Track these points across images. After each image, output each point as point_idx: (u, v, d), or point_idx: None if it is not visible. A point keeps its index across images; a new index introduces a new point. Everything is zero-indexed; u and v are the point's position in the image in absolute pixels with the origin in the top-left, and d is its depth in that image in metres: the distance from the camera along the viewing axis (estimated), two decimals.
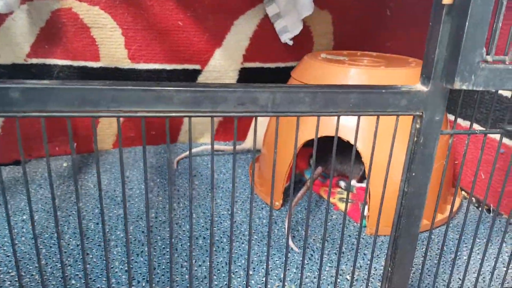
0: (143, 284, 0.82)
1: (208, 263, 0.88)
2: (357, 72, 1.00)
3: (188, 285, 0.82)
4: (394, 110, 0.58)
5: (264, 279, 0.84)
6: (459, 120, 1.24)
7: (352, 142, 0.98)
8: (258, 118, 1.49)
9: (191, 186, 0.58)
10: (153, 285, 0.82)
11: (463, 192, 1.21)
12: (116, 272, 0.85)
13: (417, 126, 0.59)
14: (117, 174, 1.26)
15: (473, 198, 1.20)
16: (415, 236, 0.66)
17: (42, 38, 1.23)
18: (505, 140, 1.08)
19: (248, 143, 1.43)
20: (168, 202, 0.56)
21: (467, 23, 0.50)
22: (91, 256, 0.89)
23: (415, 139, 0.60)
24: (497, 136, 1.10)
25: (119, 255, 0.90)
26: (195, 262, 0.89)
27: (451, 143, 0.63)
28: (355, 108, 0.56)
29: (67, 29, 1.24)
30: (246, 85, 0.54)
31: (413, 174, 0.61)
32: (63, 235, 0.95)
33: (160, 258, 0.89)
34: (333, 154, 0.62)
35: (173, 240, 0.59)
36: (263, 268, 0.87)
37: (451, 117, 1.19)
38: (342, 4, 1.40)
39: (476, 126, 1.18)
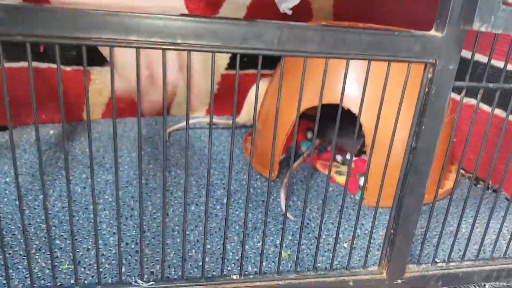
0: (132, 246, 0.78)
1: (201, 228, 0.85)
2: None
3: (179, 247, 0.78)
4: (407, 56, 0.54)
5: (259, 244, 0.81)
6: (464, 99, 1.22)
7: (353, 110, 0.94)
8: (252, 93, 1.44)
9: (187, 153, 0.54)
10: (143, 247, 0.78)
11: (461, 171, 1.19)
12: (104, 234, 0.81)
13: (429, 75, 0.56)
14: (106, 143, 1.21)
15: (469, 175, 1.18)
16: (421, 196, 0.63)
17: None
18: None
19: (242, 117, 1.39)
20: (163, 157, 0.52)
21: None
22: (77, 218, 0.85)
23: (427, 89, 0.57)
24: (500, 113, 1.08)
25: (107, 218, 0.85)
26: (187, 226, 0.85)
27: (463, 97, 0.60)
28: (366, 51, 0.53)
29: None
30: (251, 20, 0.50)
31: (423, 127, 0.58)
32: (48, 198, 0.91)
33: (150, 222, 0.85)
34: (338, 116, 0.58)
35: (165, 205, 0.56)
36: (257, 234, 0.84)
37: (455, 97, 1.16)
38: None
39: (482, 105, 1.15)
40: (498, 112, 1.08)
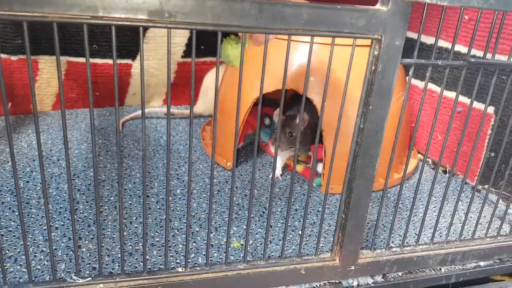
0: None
1: (151, 221, 0.81)
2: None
3: (126, 241, 0.74)
4: (351, 31, 0.52)
5: (211, 235, 0.77)
6: (417, 82, 1.22)
7: (308, 95, 0.92)
8: (207, 80, 1.38)
9: (144, 143, 0.50)
10: (87, 241, 0.73)
11: (419, 155, 1.19)
12: (45, 229, 0.75)
13: (375, 52, 0.54)
14: (55, 135, 1.14)
15: (429, 160, 1.18)
16: (371, 178, 0.61)
17: None
18: (462, 98, 1.06)
19: (199, 107, 1.35)
20: (117, 151, 0.48)
21: None
22: (17, 214, 0.79)
23: (373, 67, 0.55)
24: (453, 95, 1.08)
25: (50, 213, 0.80)
26: (136, 219, 0.81)
27: (411, 75, 0.58)
28: (308, 26, 0.50)
29: None
30: None
31: (370, 107, 0.56)
32: None
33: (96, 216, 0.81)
34: (282, 97, 0.55)
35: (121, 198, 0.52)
36: (210, 225, 0.81)
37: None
38: None
39: (432, 86, 1.15)
40: (461, 98, 1.08)
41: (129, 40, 1.29)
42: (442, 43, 1.10)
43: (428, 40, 1.14)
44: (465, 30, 1.02)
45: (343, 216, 0.64)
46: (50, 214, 0.80)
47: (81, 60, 1.28)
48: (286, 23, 0.49)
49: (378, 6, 0.52)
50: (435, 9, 1.11)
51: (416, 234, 0.83)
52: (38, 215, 0.79)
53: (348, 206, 0.62)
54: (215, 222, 0.82)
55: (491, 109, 0.97)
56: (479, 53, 0.98)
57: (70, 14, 0.43)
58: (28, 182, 0.91)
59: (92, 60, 1.29)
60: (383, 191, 0.66)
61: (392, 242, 0.80)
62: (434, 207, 0.95)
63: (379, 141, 0.58)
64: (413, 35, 1.13)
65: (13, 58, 1.22)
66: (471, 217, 0.90)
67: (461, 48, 1.04)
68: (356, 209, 0.62)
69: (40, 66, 1.26)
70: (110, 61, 1.30)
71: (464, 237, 0.82)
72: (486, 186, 1.01)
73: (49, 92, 1.31)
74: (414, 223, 0.87)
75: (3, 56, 1.20)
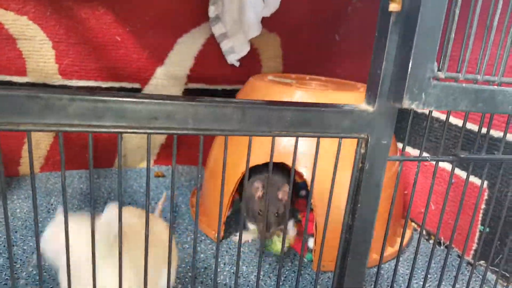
0: None
1: None
2: (303, 95, 0.94)
3: None
4: (336, 132, 0.50)
5: None
6: (409, 149, 1.21)
7: (297, 168, 0.90)
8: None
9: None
10: None
11: (413, 224, 1.16)
12: None
13: (362, 151, 0.52)
14: (41, 201, 1.12)
15: (424, 230, 1.15)
16: (361, 276, 0.58)
17: None
18: (456, 171, 1.04)
19: None
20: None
21: (416, 33, 0.44)
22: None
23: (360, 165, 0.53)
24: (447, 166, 1.07)
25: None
26: None
27: (400, 171, 0.56)
28: (292, 129, 0.49)
29: None
30: (159, 96, 0.45)
31: (359, 205, 0.54)
32: None
33: None
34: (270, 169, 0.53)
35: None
36: None
37: (400, 146, 1.15)
38: (291, 28, 1.35)
39: (426, 155, 1.14)
40: (447, 166, 1.07)
41: None
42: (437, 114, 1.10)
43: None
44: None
45: None
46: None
47: None
48: (270, 126, 0.48)
49: (363, 107, 0.51)
50: None
51: None
52: None
53: None
54: None
55: (484, 183, 0.96)
56: (475, 127, 0.98)
57: (44, 123, 0.42)
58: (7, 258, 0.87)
59: None
60: (378, 269, 0.62)
61: None
62: (429, 285, 0.91)
63: (369, 239, 0.56)
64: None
65: None
66: None
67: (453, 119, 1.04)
68: None
69: None
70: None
71: None
72: (481, 262, 0.97)
73: (37, 154, 1.28)
74: None
75: None
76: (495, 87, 0.50)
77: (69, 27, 1.15)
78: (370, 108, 0.50)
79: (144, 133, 0.45)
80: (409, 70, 0.45)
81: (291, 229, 1.02)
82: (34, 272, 0.83)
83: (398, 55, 0.47)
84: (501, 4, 0.49)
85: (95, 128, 0.43)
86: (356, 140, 0.52)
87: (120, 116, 0.43)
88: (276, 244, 0.96)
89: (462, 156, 0.56)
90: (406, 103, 0.46)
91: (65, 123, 0.42)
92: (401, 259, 1.00)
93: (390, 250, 1.02)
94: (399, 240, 1.06)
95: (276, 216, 0.90)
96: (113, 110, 0.43)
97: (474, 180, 0.98)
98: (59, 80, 1.19)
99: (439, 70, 0.47)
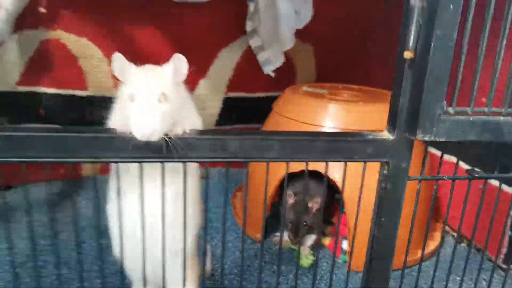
0: None
1: None
2: (335, 107, 1.03)
3: None
4: (361, 157, 0.59)
5: None
6: (437, 151, 1.26)
7: (330, 175, 0.99)
8: None
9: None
10: None
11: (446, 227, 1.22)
12: None
13: (385, 172, 0.61)
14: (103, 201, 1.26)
15: (454, 233, 1.21)
16: (386, 279, 0.67)
17: (31, 67, 1.25)
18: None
19: None
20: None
21: (426, 77, 0.52)
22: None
23: (383, 185, 0.62)
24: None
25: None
26: None
27: (419, 189, 0.64)
28: (323, 155, 0.58)
29: (55, 58, 1.26)
30: (216, 132, 0.55)
31: (382, 219, 0.63)
32: (46, 265, 0.96)
33: None
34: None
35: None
36: None
37: (449, 158, 1.19)
38: (324, 37, 1.44)
39: (462, 164, 1.20)
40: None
41: None
42: None
43: None
44: None
45: None
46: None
47: None
48: (305, 154, 0.58)
49: (385, 135, 0.59)
50: None
51: None
52: None
53: None
54: None
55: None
56: None
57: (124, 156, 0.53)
58: (80, 253, 1.01)
59: None
60: (402, 272, 0.70)
61: None
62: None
63: (392, 247, 0.64)
64: None
65: None
66: None
67: None
68: None
69: None
70: None
71: None
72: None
73: None
74: None
75: None
76: (501, 117, 0.57)
77: (122, 46, 1.28)
78: (390, 137, 0.59)
79: (204, 162, 0.56)
80: (421, 108, 0.53)
81: (311, 241, 1.10)
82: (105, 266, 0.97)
83: (412, 94, 0.55)
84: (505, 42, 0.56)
85: (165, 158, 0.55)
86: (379, 163, 0.61)
87: (187, 149, 0.54)
88: (303, 259, 1.04)
89: (476, 175, 0.63)
90: (419, 136, 0.55)
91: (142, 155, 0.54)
92: (431, 262, 1.07)
93: (420, 254, 1.09)
94: (431, 243, 1.13)
95: (305, 225, 1.00)
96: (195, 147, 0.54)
97: (504, 187, 1.03)
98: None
99: (449, 106, 0.54)
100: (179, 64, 0.63)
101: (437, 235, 1.16)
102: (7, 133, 0.50)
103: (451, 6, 0.49)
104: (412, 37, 0.53)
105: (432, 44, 0.51)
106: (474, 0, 0.51)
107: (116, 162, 0.55)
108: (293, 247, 1.07)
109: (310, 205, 1.00)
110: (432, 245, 1.13)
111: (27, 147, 0.51)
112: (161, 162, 0.55)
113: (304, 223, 1.00)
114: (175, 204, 0.62)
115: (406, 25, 0.53)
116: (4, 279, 0.91)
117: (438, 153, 1.27)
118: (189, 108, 0.65)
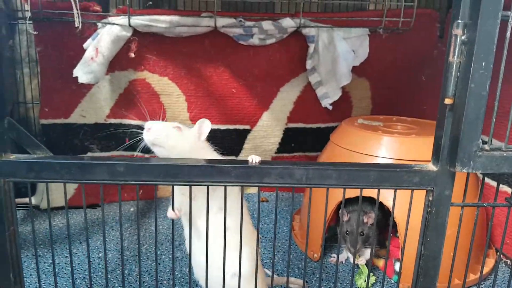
0: None
1: None
2: (389, 141, 1.13)
3: None
4: (409, 186, 0.70)
5: None
6: (493, 182, 1.31)
7: (383, 201, 1.08)
8: None
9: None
10: None
11: (498, 253, 1.26)
12: None
13: (430, 199, 0.71)
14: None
15: (507, 260, 1.24)
16: None
17: (120, 102, 1.47)
18: None
19: None
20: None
21: (463, 119, 0.62)
22: None
23: (429, 209, 0.71)
24: None
25: None
26: None
27: (462, 215, 0.73)
28: (375, 183, 0.69)
29: (140, 95, 1.46)
30: (285, 163, 0.68)
31: (428, 239, 0.72)
32: (131, 272, 1.12)
33: None
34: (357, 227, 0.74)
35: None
36: None
37: (505, 188, 1.25)
38: (379, 72, 1.54)
39: (507, 189, 1.24)
40: None
41: (234, 142, 1.58)
42: None
43: None
44: None
45: None
46: None
47: None
48: (358, 182, 0.69)
49: (430, 166, 0.69)
50: None
51: None
52: None
53: None
54: None
55: None
56: None
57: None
58: (159, 264, 1.17)
59: None
60: None
61: None
62: None
63: (437, 266, 0.73)
64: None
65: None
66: None
67: None
68: None
69: None
70: None
71: None
72: None
73: None
74: None
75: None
76: None
77: (197, 83, 1.47)
78: (434, 168, 0.69)
79: (275, 186, 0.69)
80: (459, 145, 0.63)
81: (368, 254, 1.18)
82: (179, 275, 1.11)
83: (452, 134, 0.65)
84: None
85: (245, 183, 0.68)
86: (424, 191, 0.71)
87: (261, 176, 0.68)
88: (360, 279, 1.14)
89: None
90: (458, 169, 0.64)
91: (229, 181, 0.68)
92: (482, 286, 1.12)
93: (471, 277, 1.14)
94: (484, 269, 1.18)
95: (361, 235, 1.10)
96: (257, 173, 0.67)
97: None
98: (190, 125, 1.51)
99: (485, 143, 0.64)
100: (202, 124, 0.89)
101: (490, 261, 1.20)
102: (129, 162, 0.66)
103: (483, 64, 0.60)
104: (451, 87, 0.63)
105: (468, 94, 0.61)
106: (505, 57, 0.61)
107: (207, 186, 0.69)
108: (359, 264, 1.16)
109: (365, 219, 1.10)
110: (484, 271, 1.17)
111: (144, 172, 0.67)
112: (241, 186, 0.69)
113: (361, 233, 1.10)
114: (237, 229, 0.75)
115: (446, 77, 0.64)
116: (99, 283, 1.08)
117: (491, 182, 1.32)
118: (206, 152, 0.90)
